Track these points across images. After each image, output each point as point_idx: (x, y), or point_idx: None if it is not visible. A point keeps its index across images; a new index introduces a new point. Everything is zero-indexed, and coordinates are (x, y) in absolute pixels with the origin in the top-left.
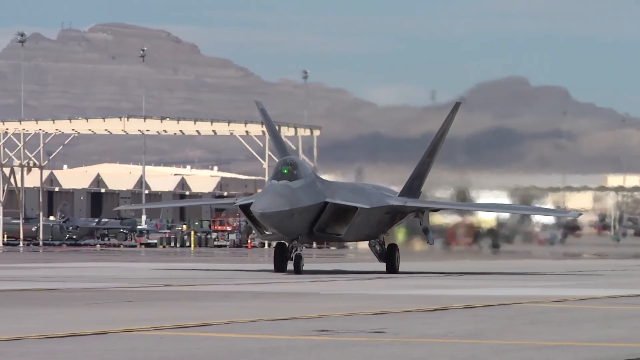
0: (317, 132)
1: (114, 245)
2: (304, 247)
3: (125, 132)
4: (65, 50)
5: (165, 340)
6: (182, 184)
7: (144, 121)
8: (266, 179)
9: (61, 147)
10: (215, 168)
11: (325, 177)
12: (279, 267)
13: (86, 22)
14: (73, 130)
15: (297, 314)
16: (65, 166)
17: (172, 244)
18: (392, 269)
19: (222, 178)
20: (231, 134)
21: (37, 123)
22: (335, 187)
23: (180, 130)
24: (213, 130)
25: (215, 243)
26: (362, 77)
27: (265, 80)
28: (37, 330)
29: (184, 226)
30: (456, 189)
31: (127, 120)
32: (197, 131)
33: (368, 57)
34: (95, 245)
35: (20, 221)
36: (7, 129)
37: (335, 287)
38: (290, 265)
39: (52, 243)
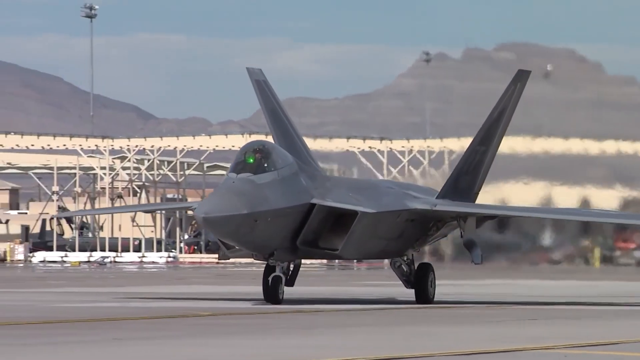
0: None
1: None
2: (284, 267)
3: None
4: (470, 70)
5: (569, 358)
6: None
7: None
8: None
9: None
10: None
11: None
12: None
13: (490, 42)
14: None
15: None
16: None
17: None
18: (423, 297)
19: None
20: (635, 153)
21: (441, 140)
22: (331, 183)
23: (584, 149)
24: (618, 149)
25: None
26: None
27: None
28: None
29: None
30: None
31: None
32: (602, 149)
33: None
34: None
35: None
36: (412, 146)
37: None
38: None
39: None
